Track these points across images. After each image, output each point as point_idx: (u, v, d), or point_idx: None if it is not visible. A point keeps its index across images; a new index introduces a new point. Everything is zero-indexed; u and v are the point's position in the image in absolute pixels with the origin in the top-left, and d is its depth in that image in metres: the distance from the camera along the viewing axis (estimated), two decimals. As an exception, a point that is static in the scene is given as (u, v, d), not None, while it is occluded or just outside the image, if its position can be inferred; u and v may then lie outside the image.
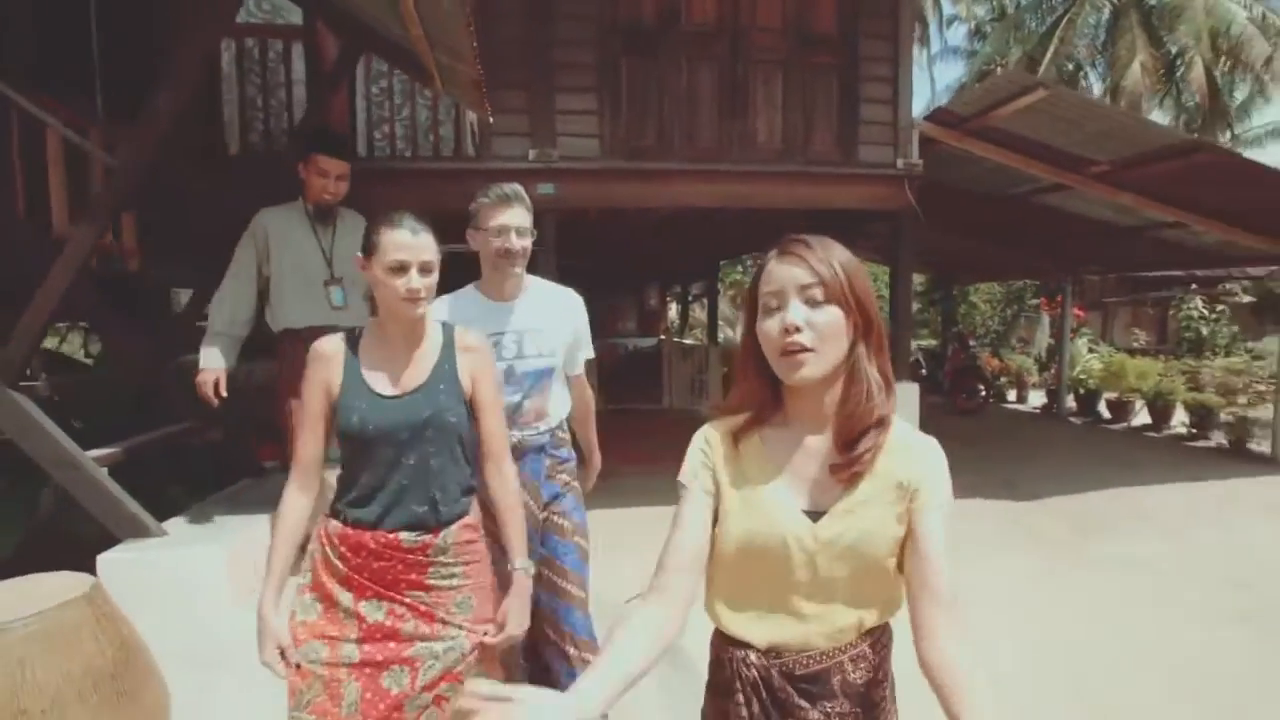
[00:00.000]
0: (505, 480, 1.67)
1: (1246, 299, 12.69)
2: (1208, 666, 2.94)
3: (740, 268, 17.47)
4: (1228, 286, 11.76)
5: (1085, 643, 3.17)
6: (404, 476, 1.53)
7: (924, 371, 10.81)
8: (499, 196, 1.95)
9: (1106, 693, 2.75)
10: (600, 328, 6.30)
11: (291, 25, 4.57)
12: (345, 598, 1.54)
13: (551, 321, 2.06)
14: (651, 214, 5.48)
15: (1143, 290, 14.51)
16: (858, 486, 0.97)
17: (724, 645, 1.04)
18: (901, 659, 1.03)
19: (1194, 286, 11.94)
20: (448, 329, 1.66)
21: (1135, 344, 13.04)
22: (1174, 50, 15.81)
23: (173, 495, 3.45)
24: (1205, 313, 12.05)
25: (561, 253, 4.83)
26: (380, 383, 1.55)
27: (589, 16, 4.94)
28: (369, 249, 1.52)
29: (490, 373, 1.67)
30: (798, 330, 0.94)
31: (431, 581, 1.56)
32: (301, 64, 4.59)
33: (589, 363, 2.26)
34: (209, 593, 2.56)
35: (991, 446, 7.40)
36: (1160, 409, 8.43)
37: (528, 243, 1.98)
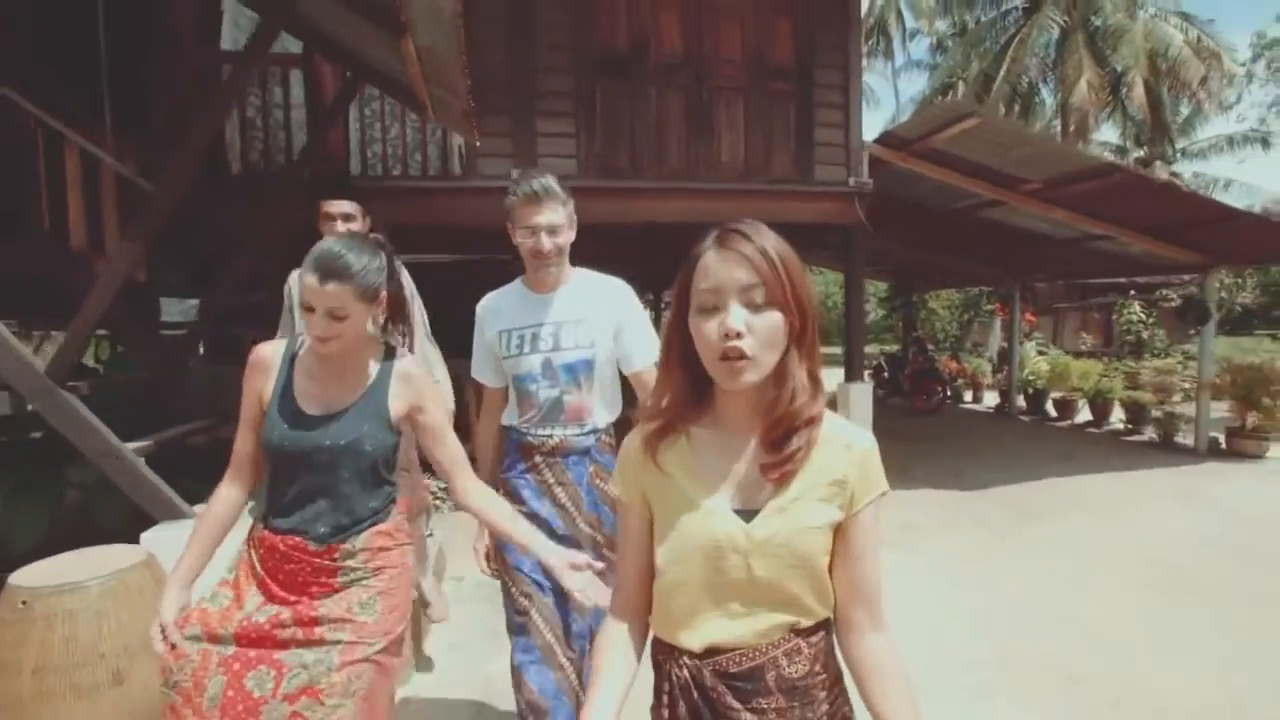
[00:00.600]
0: (483, 490, 1.65)
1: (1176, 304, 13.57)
2: (1120, 627, 3.37)
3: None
4: (1164, 292, 12.53)
5: (1016, 609, 3.60)
6: (316, 496, 1.53)
7: (886, 375, 11.30)
8: (526, 195, 1.84)
9: (1034, 653, 3.13)
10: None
11: (290, 54, 4.87)
12: (253, 600, 1.54)
13: (592, 312, 1.93)
14: (624, 228, 5.86)
15: (1090, 296, 15.29)
16: (790, 484, 0.96)
17: (659, 647, 1.04)
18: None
19: (1132, 293, 12.70)
20: (388, 357, 1.62)
21: (1082, 347, 13.74)
22: (1118, 69, 16.67)
23: (185, 486, 3.73)
24: (1144, 317, 12.84)
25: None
26: (307, 401, 1.53)
27: (567, 47, 5.33)
28: None
29: (433, 399, 1.62)
30: (738, 336, 0.90)
31: (340, 583, 1.55)
32: (299, 89, 4.92)
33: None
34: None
35: (946, 443, 7.89)
36: (1100, 406, 9.02)
37: (561, 239, 1.89)
